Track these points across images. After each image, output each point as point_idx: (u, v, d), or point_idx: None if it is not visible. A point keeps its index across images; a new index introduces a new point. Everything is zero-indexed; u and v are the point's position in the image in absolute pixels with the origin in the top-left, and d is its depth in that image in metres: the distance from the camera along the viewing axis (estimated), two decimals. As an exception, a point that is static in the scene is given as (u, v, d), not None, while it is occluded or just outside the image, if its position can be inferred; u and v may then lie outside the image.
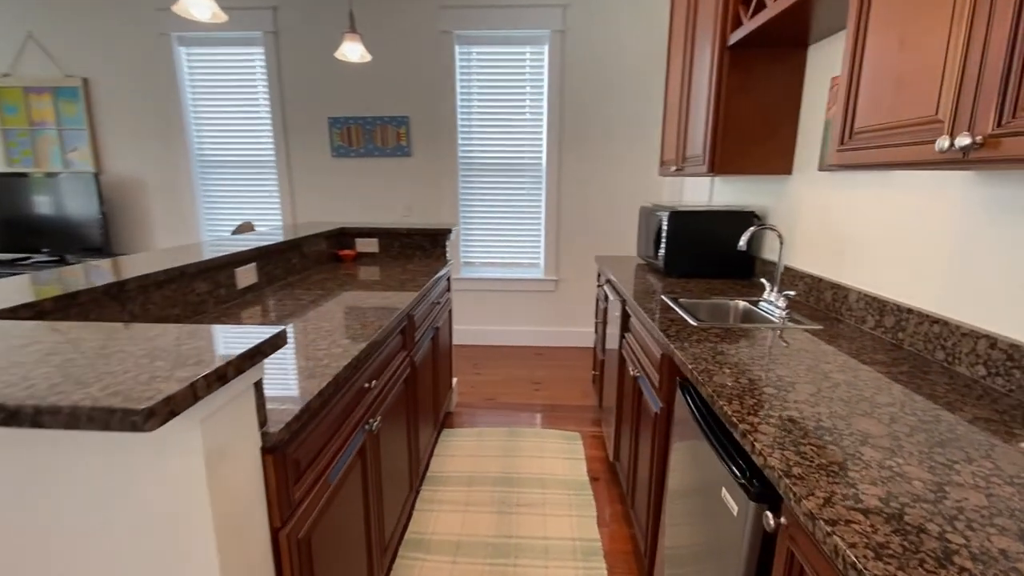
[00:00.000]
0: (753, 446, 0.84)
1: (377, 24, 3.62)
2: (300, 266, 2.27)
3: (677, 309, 1.68)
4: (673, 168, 2.41)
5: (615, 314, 2.20)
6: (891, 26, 0.98)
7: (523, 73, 3.69)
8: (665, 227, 2.21)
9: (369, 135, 3.80)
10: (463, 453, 2.48)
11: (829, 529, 0.62)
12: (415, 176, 3.86)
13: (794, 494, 0.70)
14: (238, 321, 1.51)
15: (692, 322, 1.53)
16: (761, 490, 0.85)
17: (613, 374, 2.25)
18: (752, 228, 1.67)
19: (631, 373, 1.80)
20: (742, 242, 1.65)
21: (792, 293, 1.63)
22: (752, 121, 1.94)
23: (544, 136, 3.75)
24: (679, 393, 1.30)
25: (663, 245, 2.25)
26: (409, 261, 2.65)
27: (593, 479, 2.29)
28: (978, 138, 0.77)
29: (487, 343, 4.12)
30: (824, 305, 1.70)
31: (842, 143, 1.13)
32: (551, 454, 2.47)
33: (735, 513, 0.91)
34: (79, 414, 0.55)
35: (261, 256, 1.92)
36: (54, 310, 1.08)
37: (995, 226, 1.10)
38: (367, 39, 3.64)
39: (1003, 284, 1.08)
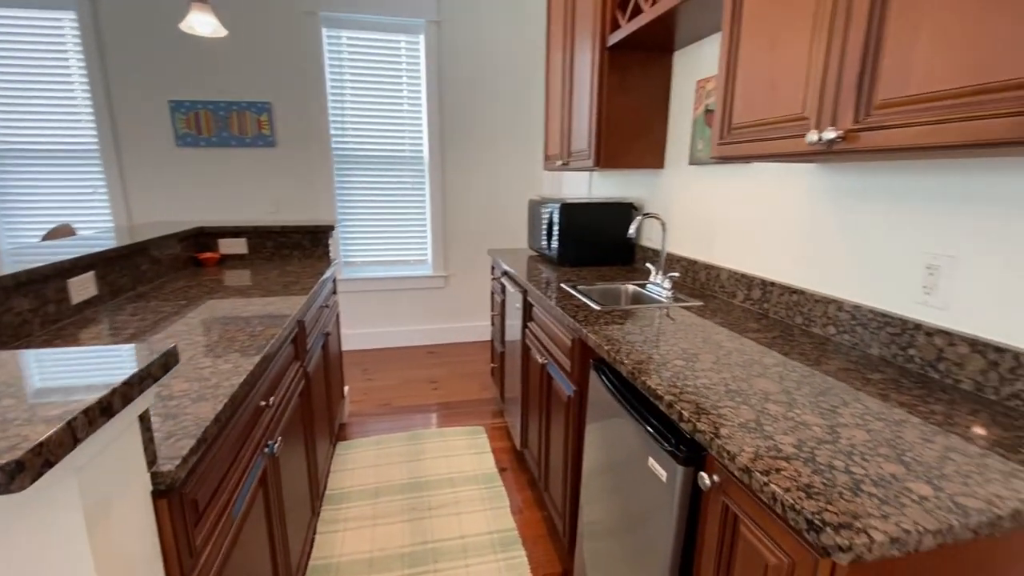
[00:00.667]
0: (681, 414, 0.90)
1: (226, -3, 3.20)
2: (152, 273, 1.92)
3: (578, 296, 1.75)
4: (559, 162, 2.51)
5: (515, 305, 2.22)
6: (761, 34, 1.12)
7: (399, 63, 3.54)
8: (557, 219, 2.29)
9: (223, 122, 3.35)
10: (363, 465, 2.32)
11: (765, 479, 0.69)
12: (282, 169, 3.51)
13: (728, 452, 0.77)
14: (78, 343, 1.23)
15: (595, 307, 1.60)
16: (688, 454, 0.91)
17: (516, 364, 2.28)
18: (640, 217, 1.80)
19: (539, 361, 1.83)
20: (632, 230, 1.77)
21: (676, 275, 1.80)
22: (630, 119, 2.09)
23: (424, 128, 3.66)
24: (593, 374, 1.35)
25: (555, 236, 2.33)
26: (287, 262, 2.40)
27: (501, 469, 2.30)
28: (840, 132, 0.91)
29: (376, 346, 3.92)
30: (700, 284, 1.91)
31: (722, 138, 1.26)
32: (457, 452, 2.43)
33: (664, 479, 0.97)
34: None
35: (100, 263, 1.58)
36: None
37: (837, 209, 1.32)
38: (220, 14, 3.20)
39: (844, 257, 1.30)
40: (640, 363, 1.12)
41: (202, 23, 2.23)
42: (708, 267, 1.85)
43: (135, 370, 0.60)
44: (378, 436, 2.58)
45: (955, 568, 0.65)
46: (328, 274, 2.21)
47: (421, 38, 3.52)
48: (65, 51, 3.10)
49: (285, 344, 1.48)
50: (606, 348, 1.23)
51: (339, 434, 2.59)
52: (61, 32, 3.07)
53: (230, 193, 3.46)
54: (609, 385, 1.24)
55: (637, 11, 1.78)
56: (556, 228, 2.32)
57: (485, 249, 3.95)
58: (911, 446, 0.78)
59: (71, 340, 1.24)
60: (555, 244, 2.34)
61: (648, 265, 2.02)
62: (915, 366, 1.10)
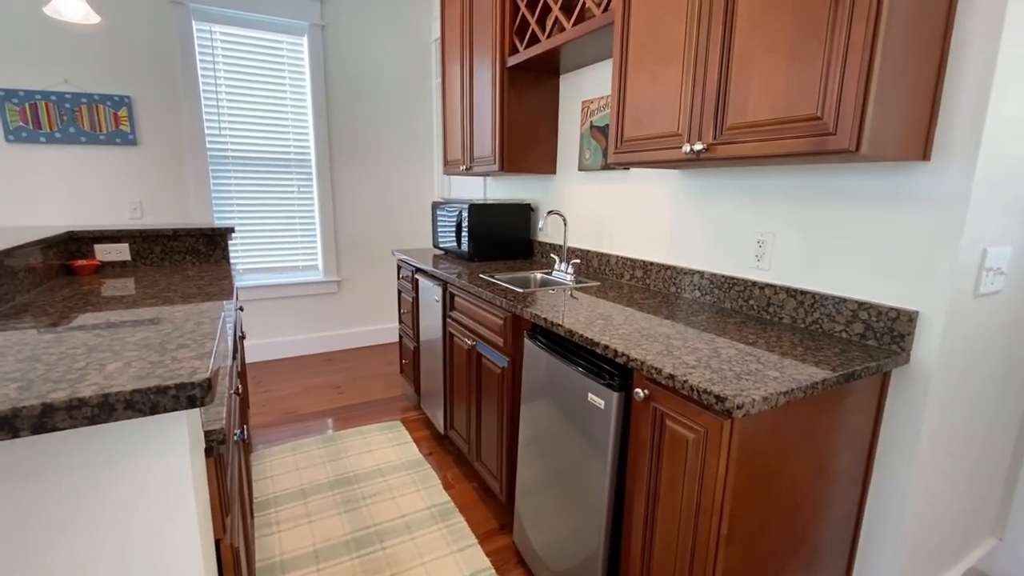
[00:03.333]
0: (616, 352, 1.20)
1: (71, -24, 2.83)
2: (10, 293, 1.71)
3: (501, 283, 2.00)
4: (462, 167, 2.74)
5: (434, 299, 2.39)
6: (644, 70, 1.48)
7: (281, 63, 3.46)
8: (466, 219, 2.52)
9: (70, 115, 2.95)
10: (283, 471, 2.29)
11: (684, 379, 1.01)
12: (147, 170, 3.18)
13: (655, 369, 1.08)
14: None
15: (518, 290, 1.87)
16: (621, 381, 1.21)
17: (435, 355, 2.44)
18: (547, 214, 2.11)
19: (466, 344, 2.04)
20: (541, 225, 2.08)
21: (578, 262, 2.15)
22: (528, 130, 2.41)
23: (311, 131, 3.61)
24: (528, 342, 1.61)
25: (465, 235, 2.55)
26: (183, 268, 2.25)
27: (427, 454, 2.44)
28: (705, 145, 1.29)
29: (267, 358, 3.72)
30: (594, 269, 2.28)
31: (617, 148, 1.61)
32: (379, 446, 2.51)
33: (602, 406, 1.26)
34: (113, 402, 0.49)
35: (-18, 268, 1.41)
36: None
37: (695, 204, 1.76)
38: (56, -8, 2.81)
39: (702, 239, 1.74)
40: (573, 324, 1.41)
41: (71, 8, 2.02)
42: (600, 255, 2.23)
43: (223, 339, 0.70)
44: (291, 443, 2.53)
45: (796, 414, 1.04)
46: (235, 279, 2.15)
47: (304, 40, 3.49)
48: None
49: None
50: (543, 317, 1.50)
51: (247, 446, 2.48)
52: None
53: (81, 195, 3.04)
54: (546, 346, 1.51)
55: (534, 40, 2.09)
56: (466, 227, 2.54)
57: (377, 252, 3.99)
58: (762, 355, 1.17)
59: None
60: (466, 242, 2.56)
61: (552, 256, 2.35)
62: (754, 312, 1.56)
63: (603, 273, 2.22)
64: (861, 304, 1.29)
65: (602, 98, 2.15)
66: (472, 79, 2.56)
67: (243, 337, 2.09)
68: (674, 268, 1.84)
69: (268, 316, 3.67)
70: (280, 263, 3.70)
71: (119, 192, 3.13)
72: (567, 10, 1.93)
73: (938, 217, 1.15)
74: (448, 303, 2.26)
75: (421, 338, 2.67)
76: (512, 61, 2.20)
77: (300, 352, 3.83)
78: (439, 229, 2.89)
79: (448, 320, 2.25)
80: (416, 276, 2.66)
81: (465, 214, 2.53)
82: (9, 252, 1.59)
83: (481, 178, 3.36)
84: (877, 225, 1.26)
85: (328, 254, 3.79)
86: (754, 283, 1.55)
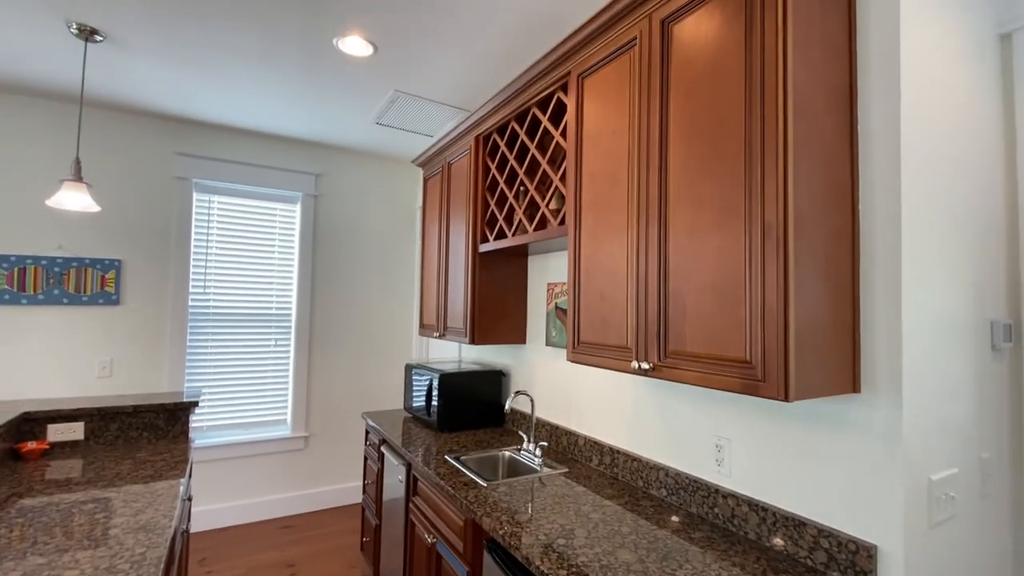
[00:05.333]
0: (571, 596, 1.13)
1: (88, 158, 3.13)
2: (-38, 482, 1.62)
3: (464, 471, 1.94)
4: (436, 333, 2.81)
5: (398, 478, 2.29)
6: (593, 283, 1.61)
7: (273, 226, 3.70)
8: (436, 387, 2.52)
9: (57, 279, 3.05)
10: None
11: (638, 649, 0.94)
12: (125, 328, 3.21)
13: (609, 629, 1.01)
14: None
15: (481, 483, 1.81)
16: (578, 631, 1.12)
17: (397, 540, 2.28)
18: (513, 394, 2.13)
19: (427, 540, 1.91)
20: (507, 407, 2.09)
21: (545, 444, 2.12)
22: (498, 304, 2.53)
23: (295, 288, 3.74)
24: (487, 556, 1.52)
25: (435, 403, 2.54)
26: (136, 448, 2.17)
27: (380, 666, 2.15)
28: (652, 364, 1.36)
29: (219, 526, 3.42)
30: (562, 448, 2.24)
31: (574, 348, 1.69)
32: (327, 651, 2.21)
33: (560, 657, 1.15)
34: None
35: (-90, 483, 1.34)
36: None
37: (656, 397, 1.80)
38: (66, 170, 3.08)
39: (663, 432, 1.75)
40: (531, 547, 1.34)
41: (73, 200, 2.20)
42: (568, 433, 2.21)
43: None
44: (227, 648, 2.22)
45: None
46: (192, 460, 2.06)
47: (298, 207, 3.78)
48: None
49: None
50: (500, 532, 1.43)
51: (175, 654, 2.17)
52: None
53: (55, 357, 3.02)
54: (504, 567, 1.42)
55: (502, 235, 2.30)
56: (435, 396, 2.54)
57: (349, 406, 3.91)
58: (724, 599, 1.11)
59: None
60: (435, 410, 2.54)
61: (521, 433, 2.32)
62: (720, 522, 1.51)
63: (572, 454, 2.18)
64: (821, 531, 1.26)
65: (564, 284, 2.30)
66: (448, 254, 2.75)
67: (189, 498, 1.94)
68: (640, 459, 1.82)
69: (227, 477, 3.46)
70: (247, 418, 3.59)
71: (93, 350, 3.12)
72: (531, 213, 2.14)
73: (876, 447, 1.18)
74: (411, 486, 2.16)
75: (383, 516, 2.50)
76: (483, 248, 2.39)
77: (258, 517, 3.54)
78: (411, 392, 2.88)
79: (410, 505, 2.14)
80: (382, 448, 2.58)
81: (436, 383, 2.55)
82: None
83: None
84: (826, 448, 1.29)
85: (298, 407, 3.70)
86: (717, 489, 1.53)
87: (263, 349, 3.64)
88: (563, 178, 1.87)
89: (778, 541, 1.35)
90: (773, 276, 1.08)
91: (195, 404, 2.40)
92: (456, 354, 3.43)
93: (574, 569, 1.23)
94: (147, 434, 2.30)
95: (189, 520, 2.23)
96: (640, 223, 1.43)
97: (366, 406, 3.98)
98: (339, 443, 3.85)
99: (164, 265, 3.33)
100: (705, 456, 1.60)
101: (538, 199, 2.01)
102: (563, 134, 1.89)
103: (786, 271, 1.07)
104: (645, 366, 1.37)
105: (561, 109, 1.98)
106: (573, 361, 1.69)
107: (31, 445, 1.98)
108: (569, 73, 1.79)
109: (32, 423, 2.09)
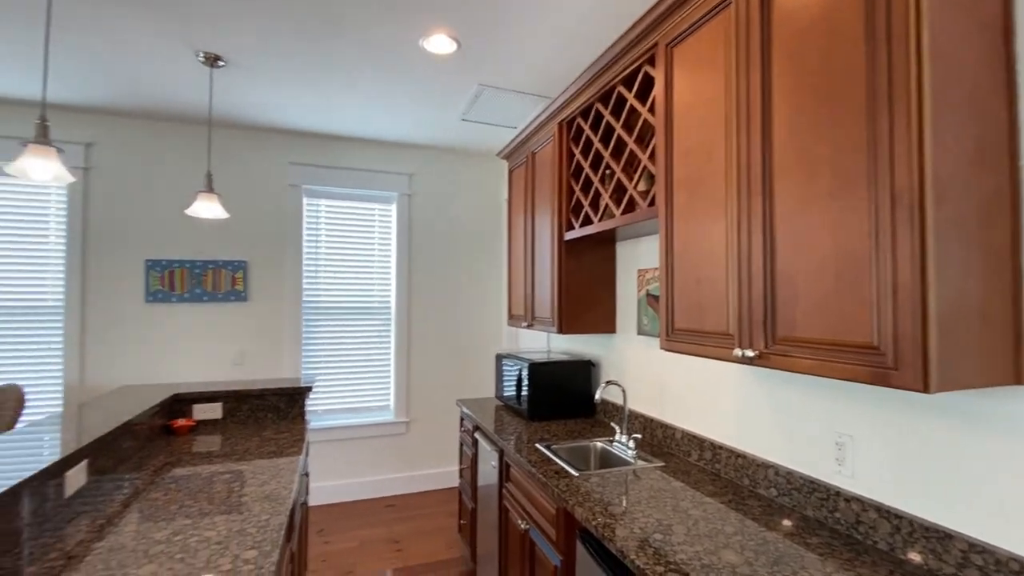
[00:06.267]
0: (670, 594, 1.07)
1: (217, 172, 3.55)
2: (133, 449, 1.92)
3: (555, 459, 1.93)
4: (524, 324, 2.83)
5: (491, 464, 2.35)
6: (688, 267, 1.51)
7: (372, 225, 3.95)
8: (526, 377, 2.54)
9: (197, 279, 3.50)
10: (330, 649, 2.17)
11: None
12: (252, 321, 3.61)
13: (714, 633, 0.94)
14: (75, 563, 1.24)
15: (573, 472, 1.78)
16: (679, 631, 1.07)
17: (491, 523, 2.33)
18: (604, 384, 2.08)
19: (520, 526, 1.93)
20: (597, 396, 2.04)
21: (639, 436, 2.04)
22: (586, 292, 2.48)
23: (393, 281, 3.97)
24: (580, 546, 1.49)
25: (524, 392, 2.56)
26: (263, 427, 2.43)
27: (479, 644, 2.22)
28: (758, 352, 1.24)
29: (334, 501, 3.75)
30: (658, 441, 2.15)
31: (668, 336, 1.60)
32: (430, 625, 2.33)
33: (659, 657, 1.10)
34: None
35: (94, 451, 1.61)
36: None
37: (764, 389, 1.66)
38: (201, 184, 3.52)
39: (773, 428, 1.60)
40: (626, 539, 1.30)
41: (207, 210, 2.50)
42: (664, 426, 2.11)
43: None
44: (343, 612, 2.42)
45: None
46: (308, 440, 2.26)
47: (394, 206, 3.99)
48: (47, 219, 3.24)
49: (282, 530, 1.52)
50: (593, 523, 1.40)
51: (300, 613, 2.41)
52: (46, 203, 3.24)
53: (197, 346, 3.48)
54: (597, 558, 1.39)
55: (588, 221, 2.24)
56: (525, 384, 2.55)
57: (446, 392, 4.08)
58: (849, 614, 0.99)
59: (75, 556, 1.25)
60: (525, 398, 2.56)
61: (613, 424, 2.26)
62: (842, 527, 1.35)
63: (668, 448, 2.08)
64: (973, 545, 1.08)
65: (656, 269, 2.19)
66: (534, 244, 2.74)
67: (306, 474, 2.13)
68: (745, 456, 1.69)
69: (338, 457, 3.77)
70: (355, 403, 3.88)
71: (227, 341, 3.55)
72: (618, 197, 2.07)
73: (1052, 452, 0.98)
74: (504, 472, 2.20)
75: (479, 500, 2.58)
76: (568, 236, 2.35)
77: (365, 495, 3.82)
78: (502, 381, 2.92)
79: (503, 491, 2.18)
80: (475, 434, 2.65)
81: (525, 372, 2.56)
82: (128, 424, 1.81)
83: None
84: (979, 449, 1.09)
85: (400, 394, 3.93)
86: (838, 492, 1.37)
87: (367, 339, 3.91)
88: (652, 157, 1.77)
89: (915, 556, 1.18)
90: (907, 250, 0.93)
91: (309, 389, 2.63)
92: (545, 344, 3.42)
93: (672, 566, 1.16)
94: (271, 415, 2.56)
95: (307, 494, 2.46)
96: (741, 197, 1.31)
97: (460, 394, 4.13)
98: (437, 428, 4.04)
99: (281, 264, 3.69)
100: (822, 454, 1.44)
101: (625, 181, 1.93)
102: (651, 110, 1.80)
103: (923, 244, 0.92)
104: (749, 354, 1.26)
105: (648, 84, 1.88)
106: (667, 350, 1.61)
107: (181, 422, 2.30)
108: (656, 44, 1.69)
109: (181, 403, 2.42)
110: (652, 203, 1.77)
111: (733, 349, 1.32)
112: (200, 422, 2.45)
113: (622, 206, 1.93)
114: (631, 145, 1.89)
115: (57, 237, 3.26)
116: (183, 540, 1.26)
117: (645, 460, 1.95)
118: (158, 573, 1.10)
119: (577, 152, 2.33)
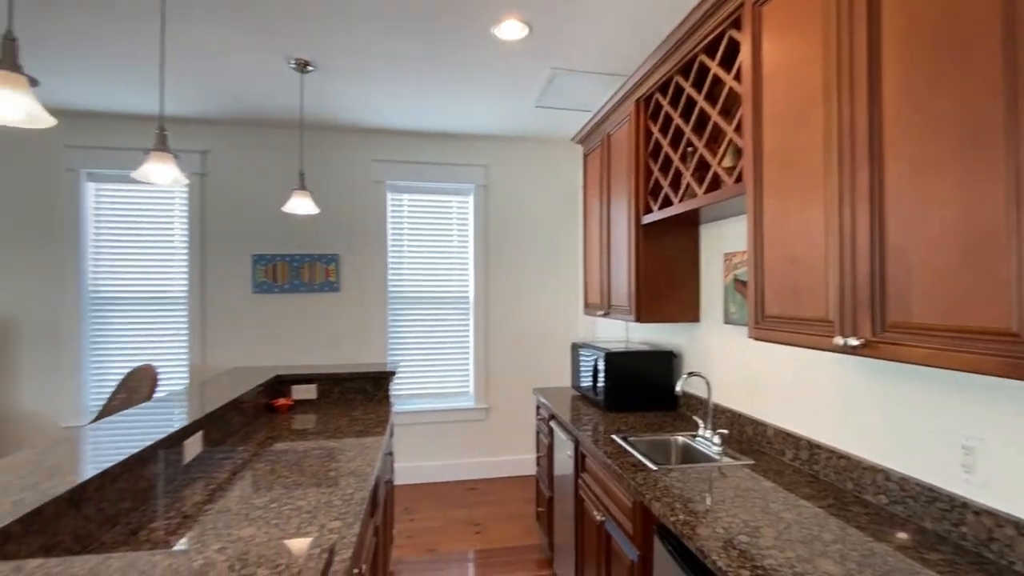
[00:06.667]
0: (755, 601, 0.99)
1: (308, 171, 3.82)
2: (240, 423, 2.13)
3: (632, 451, 1.86)
4: (600, 312, 2.76)
5: (567, 453, 2.32)
6: (780, 245, 1.37)
7: (450, 217, 4.05)
8: (603, 366, 2.48)
9: (296, 272, 3.80)
10: (414, 621, 2.28)
11: None
12: (343, 310, 3.87)
13: (806, 648, 0.85)
14: (183, 515, 1.39)
15: (651, 466, 1.71)
16: (766, 642, 0.98)
17: (567, 513, 2.31)
18: (685, 375, 1.97)
19: (596, 518, 1.89)
20: (678, 388, 1.93)
21: (726, 432, 1.91)
22: (665, 279, 2.36)
23: (471, 272, 4.05)
24: (658, 542, 1.43)
25: (601, 382, 2.49)
26: (352, 408, 2.59)
27: (556, 632, 2.22)
28: (863, 340, 1.10)
29: (417, 481, 3.93)
30: (747, 438, 2.00)
31: (757, 323, 1.47)
32: (508, 608, 2.37)
33: (744, 666, 1.02)
34: None
35: (208, 423, 1.80)
36: (25, 532, 0.96)
37: (872, 383, 1.47)
38: (297, 183, 3.80)
39: (884, 427, 1.42)
40: (707, 539, 1.22)
41: (301, 206, 2.69)
42: (754, 422, 1.96)
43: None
44: (426, 587, 2.54)
45: None
46: (391, 422, 2.38)
47: (471, 198, 4.06)
48: (172, 218, 3.68)
49: (365, 504, 1.61)
50: (671, 519, 1.33)
51: (387, 584, 2.56)
52: (171, 203, 3.69)
53: (295, 331, 3.80)
54: (676, 556, 1.32)
55: (668, 202, 2.12)
56: (602, 374, 2.49)
57: (523, 381, 4.10)
58: (978, 644, 0.84)
59: (186, 511, 1.41)
60: (601, 388, 2.50)
61: (696, 419, 2.14)
62: (969, 544, 1.17)
63: (758, 446, 1.93)
64: None
65: (744, 252, 2.03)
66: (610, 230, 2.66)
67: (390, 453, 2.24)
68: (849, 458, 1.51)
69: (421, 439, 3.94)
70: (436, 389, 4.03)
71: (322, 329, 3.83)
72: (700, 175, 1.93)
73: None
74: (579, 462, 2.16)
75: (555, 489, 2.56)
76: (646, 219, 2.24)
77: (447, 478, 3.97)
78: (578, 370, 2.88)
79: (579, 481, 2.14)
80: (551, 423, 2.64)
81: (601, 362, 2.50)
82: (236, 400, 2.01)
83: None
84: None
85: (479, 381, 4.02)
86: (965, 503, 1.18)
87: (448, 328, 4.04)
88: (738, 129, 1.63)
89: (1072, 583, 0.98)
90: (1060, 215, 0.77)
91: (393, 374, 2.76)
92: (623, 334, 3.32)
93: (759, 571, 1.07)
94: (360, 397, 2.73)
95: (392, 472, 2.60)
96: (843, 165, 1.16)
97: (537, 382, 4.14)
98: (515, 416, 4.08)
99: (368, 256, 3.90)
100: (945, 459, 1.25)
101: (708, 158, 1.80)
102: (737, 78, 1.65)
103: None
104: (853, 342, 1.12)
105: (732, 51, 1.73)
106: (756, 338, 1.48)
107: (281, 401, 2.51)
108: (742, 5, 1.55)
109: (282, 384, 2.65)
110: (739, 179, 1.63)
111: (833, 337, 1.18)
112: (298, 401, 2.66)
113: (705, 184, 1.80)
114: (715, 118, 1.75)
115: (181, 236, 3.69)
116: (278, 507, 1.37)
117: (732, 457, 1.82)
118: (255, 535, 1.21)
119: (655, 130, 2.21)
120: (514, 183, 4.12)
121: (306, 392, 2.68)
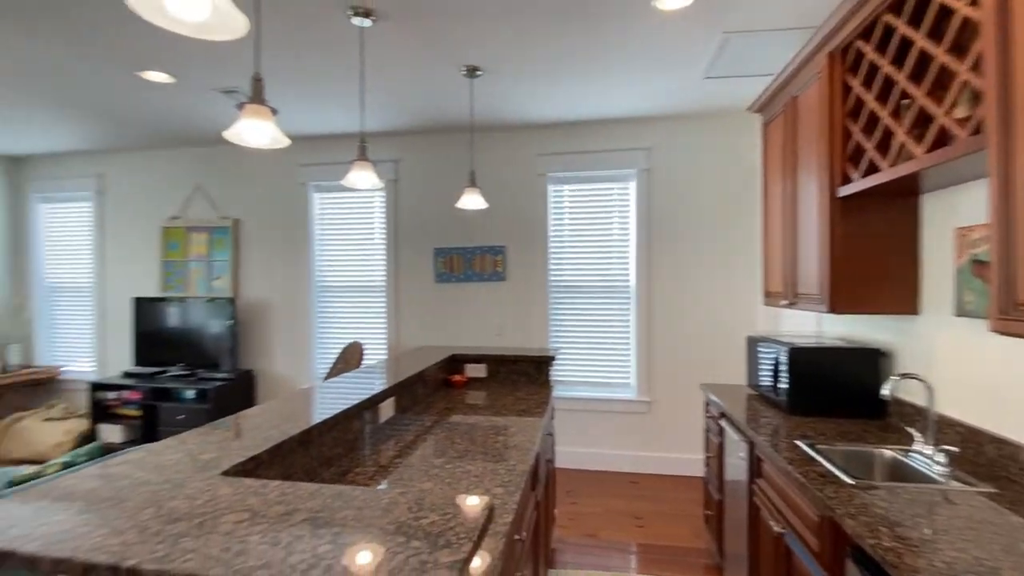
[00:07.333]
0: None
1: (478, 169, 4.13)
2: (423, 394, 2.43)
3: (820, 460, 1.62)
4: (783, 302, 2.44)
5: (739, 455, 2.12)
6: (1045, 214, 1.04)
7: (611, 205, 3.99)
8: (786, 363, 2.19)
9: (468, 263, 4.16)
10: (574, 600, 2.33)
11: None
12: (508, 298, 4.11)
13: None
14: (381, 466, 1.63)
15: (846, 479, 1.46)
16: None
17: (739, 521, 2.12)
18: (896, 378, 1.64)
19: (774, 529, 1.70)
20: (886, 391, 1.61)
21: (955, 450, 1.54)
22: (870, 264, 1.98)
23: (632, 260, 3.94)
24: (852, 566, 1.22)
25: (784, 381, 2.21)
26: (516, 388, 2.74)
27: (725, 644, 2.06)
28: None
29: (578, 466, 4.00)
30: (986, 460, 1.58)
31: (1004, 314, 1.15)
32: (670, 608, 2.27)
33: None
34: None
35: (397, 391, 2.09)
36: (269, 461, 1.24)
37: None
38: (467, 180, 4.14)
39: None
40: (918, 572, 1.00)
41: (472, 202, 2.93)
42: (997, 441, 1.54)
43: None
44: (587, 571, 2.57)
45: None
46: (551, 404, 2.46)
47: (632, 184, 3.94)
48: (372, 218, 4.34)
49: (526, 476, 1.69)
50: (871, 542, 1.13)
51: (549, 559, 2.67)
52: (372, 206, 4.34)
53: (467, 318, 4.17)
54: (876, 586, 1.11)
55: (873, 169, 1.77)
56: (784, 372, 2.21)
57: (690, 376, 3.85)
58: None
59: (383, 466, 1.66)
60: (783, 388, 2.22)
61: (911, 431, 1.77)
62: None
63: (1004, 471, 1.50)
64: None
65: (987, 225, 1.58)
66: (795, 208, 2.33)
67: (550, 434, 2.32)
68: None
69: (580, 426, 3.99)
70: (595, 378, 4.03)
71: (490, 315, 4.13)
72: (920, 130, 1.57)
73: None
74: (754, 466, 1.96)
75: (726, 493, 2.36)
76: (844, 191, 1.91)
77: (607, 467, 3.95)
78: (755, 367, 2.60)
79: (754, 487, 1.94)
80: (721, 422, 2.43)
81: (784, 358, 2.21)
82: (421, 374, 2.30)
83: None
84: None
85: (641, 373, 3.90)
86: None
87: (608, 317, 4.00)
88: (975, 68, 1.28)
89: None
90: None
91: (554, 359, 2.85)
92: (814, 327, 2.89)
93: (1000, 625, 0.84)
94: (522, 378, 2.88)
95: (553, 453, 2.68)
96: None
97: (705, 378, 3.85)
98: (680, 412, 3.87)
99: (531, 247, 4.07)
100: None
101: (932, 108, 1.45)
102: (972, 2, 1.29)
103: None
104: None
105: (972, -32, 1.35)
106: (1003, 332, 1.15)
107: (457, 377, 2.79)
108: (985, -95, 1.20)
109: (456, 362, 2.94)
110: (976, 131, 1.28)
111: None
112: (470, 379, 2.92)
113: (927, 142, 1.46)
114: (941, 58, 1.40)
115: (380, 234, 4.33)
116: (452, 470, 1.53)
117: (963, 481, 1.45)
118: (432, 489, 1.37)
119: (855, 84, 1.86)
120: (679, 164, 3.86)
121: (477, 371, 2.93)
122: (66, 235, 4.97)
